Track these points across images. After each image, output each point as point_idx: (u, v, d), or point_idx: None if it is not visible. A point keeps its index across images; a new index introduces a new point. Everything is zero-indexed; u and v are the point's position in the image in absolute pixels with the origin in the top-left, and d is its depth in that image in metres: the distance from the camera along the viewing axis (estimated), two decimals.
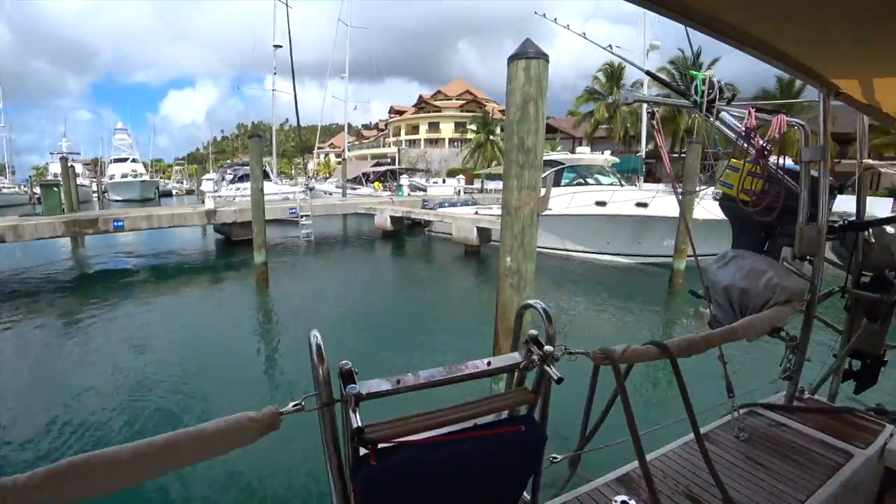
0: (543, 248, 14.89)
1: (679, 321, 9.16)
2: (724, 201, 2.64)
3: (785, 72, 1.91)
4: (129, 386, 6.09)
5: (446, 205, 18.65)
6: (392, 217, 18.14)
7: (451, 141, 54.96)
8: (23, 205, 33.91)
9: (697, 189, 10.84)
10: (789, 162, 2.43)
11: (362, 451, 1.06)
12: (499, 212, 15.58)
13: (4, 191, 38.18)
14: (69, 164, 22.86)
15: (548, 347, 1.22)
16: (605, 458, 2.17)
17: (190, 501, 3.89)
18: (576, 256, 14.45)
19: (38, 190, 25.92)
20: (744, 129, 2.30)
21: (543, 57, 3.94)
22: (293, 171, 53.18)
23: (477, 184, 34.25)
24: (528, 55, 3.89)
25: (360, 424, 1.02)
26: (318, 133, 40.40)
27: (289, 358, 7.24)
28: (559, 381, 1.19)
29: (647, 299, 10.49)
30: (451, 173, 41.32)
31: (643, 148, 21.12)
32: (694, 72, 2.32)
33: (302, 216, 16.76)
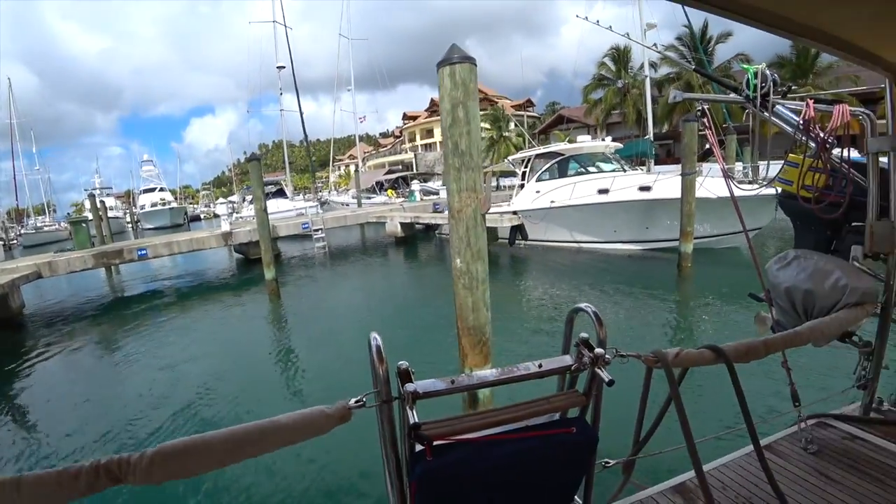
0: (553, 241, 14.95)
1: (692, 308, 8.99)
2: (784, 199, 2.53)
3: (842, 58, 1.78)
4: (151, 395, 6.64)
5: None
6: (402, 223, 18.43)
7: None
8: (63, 241, 35.73)
9: (752, 187, 9.64)
10: (854, 154, 2.28)
11: (419, 447, 1.10)
12: (505, 209, 15.76)
13: (46, 229, 40.48)
14: (99, 200, 24.09)
15: (598, 350, 1.23)
16: (660, 465, 2.14)
17: (253, 488, 4.23)
18: (586, 248, 14.35)
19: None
20: (801, 121, 2.17)
21: (469, 61, 3.98)
22: (315, 186, 54.35)
23: (498, 182, 34.28)
24: (454, 61, 3.94)
25: (416, 421, 1.06)
26: (332, 146, 41.16)
27: (294, 361, 7.76)
28: (610, 383, 1.19)
29: (658, 287, 10.27)
30: None
31: (650, 130, 20.80)
32: (745, 65, 2.24)
33: (315, 230, 17.27)
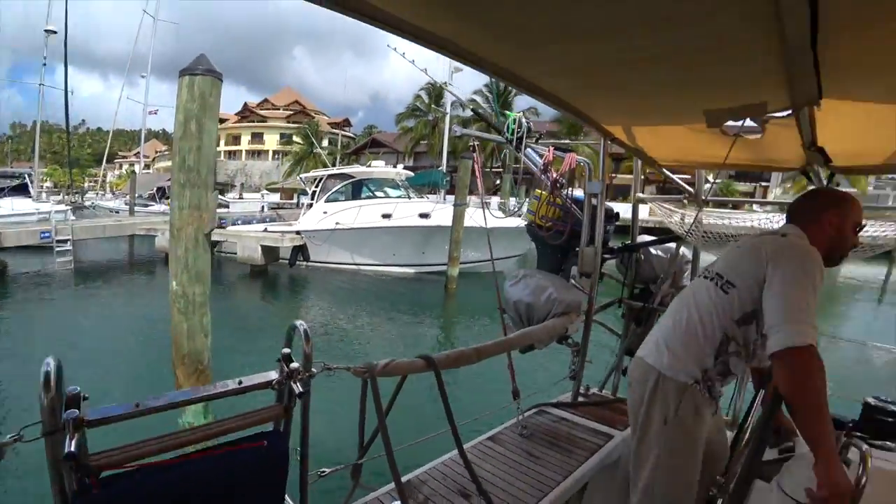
0: (335, 263, 14.90)
1: (451, 323, 9.89)
2: (529, 226, 2.97)
3: (575, 120, 2.09)
4: None
5: (239, 222, 17.63)
6: None
7: (276, 153, 52.66)
8: None
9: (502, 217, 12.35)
10: (579, 193, 2.79)
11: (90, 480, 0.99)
12: (291, 227, 15.23)
13: None
14: None
15: (294, 364, 1.24)
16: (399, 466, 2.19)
17: None
18: (365, 270, 14.69)
19: None
20: (543, 163, 2.68)
21: (213, 74, 3.88)
22: (86, 184, 46.08)
23: (298, 198, 33.18)
24: (196, 72, 3.82)
25: (73, 450, 0.92)
26: (111, 137, 35.12)
27: None
28: (300, 395, 1.22)
29: (427, 306, 11.11)
30: (269, 187, 39.88)
31: (444, 162, 22.45)
32: (508, 112, 2.67)
33: (58, 241, 14.28)
